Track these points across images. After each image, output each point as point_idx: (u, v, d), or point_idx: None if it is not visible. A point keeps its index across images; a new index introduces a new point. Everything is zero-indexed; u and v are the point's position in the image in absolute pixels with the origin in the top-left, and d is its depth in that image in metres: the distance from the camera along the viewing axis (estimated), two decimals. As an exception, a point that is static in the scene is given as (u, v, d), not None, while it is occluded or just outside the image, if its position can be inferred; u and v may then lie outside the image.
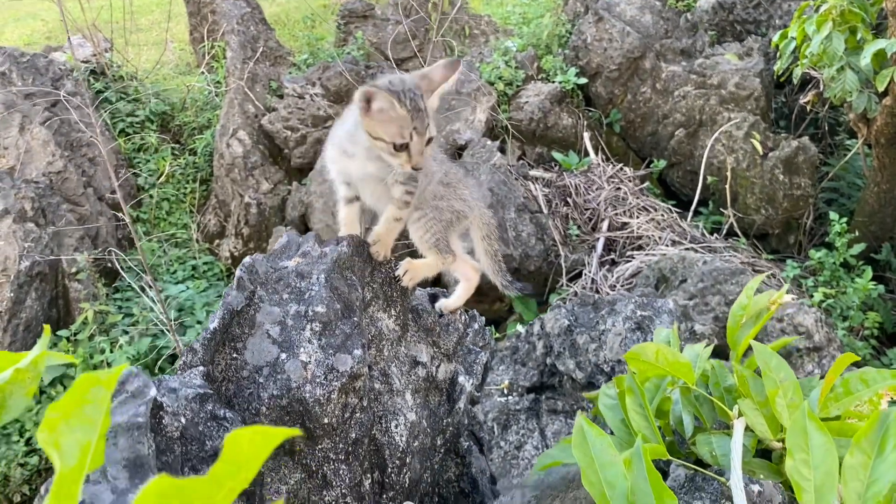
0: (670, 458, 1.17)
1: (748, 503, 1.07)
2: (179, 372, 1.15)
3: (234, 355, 1.19)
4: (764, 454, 1.36)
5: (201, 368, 1.13)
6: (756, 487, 1.12)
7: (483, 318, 1.82)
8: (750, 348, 1.44)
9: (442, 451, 1.45)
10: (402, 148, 1.41)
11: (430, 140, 1.44)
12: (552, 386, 2.21)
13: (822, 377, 1.47)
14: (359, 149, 1.47)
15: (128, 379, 0.99)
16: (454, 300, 1.63)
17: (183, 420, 1.04)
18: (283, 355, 1.19)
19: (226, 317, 1.21)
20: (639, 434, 1.11)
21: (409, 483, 1.32)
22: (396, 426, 1.31)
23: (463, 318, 1.63)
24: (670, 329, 1.39)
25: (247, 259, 1.32)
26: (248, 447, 0.41)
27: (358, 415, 1.23)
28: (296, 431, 0.41)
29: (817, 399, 1.19)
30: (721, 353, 3.34)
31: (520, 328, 2.39)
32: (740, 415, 1.23)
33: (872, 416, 0.94)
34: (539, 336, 2.24)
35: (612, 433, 1.21)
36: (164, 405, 1.02)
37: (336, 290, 1.28)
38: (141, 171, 6.08)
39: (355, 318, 1.27)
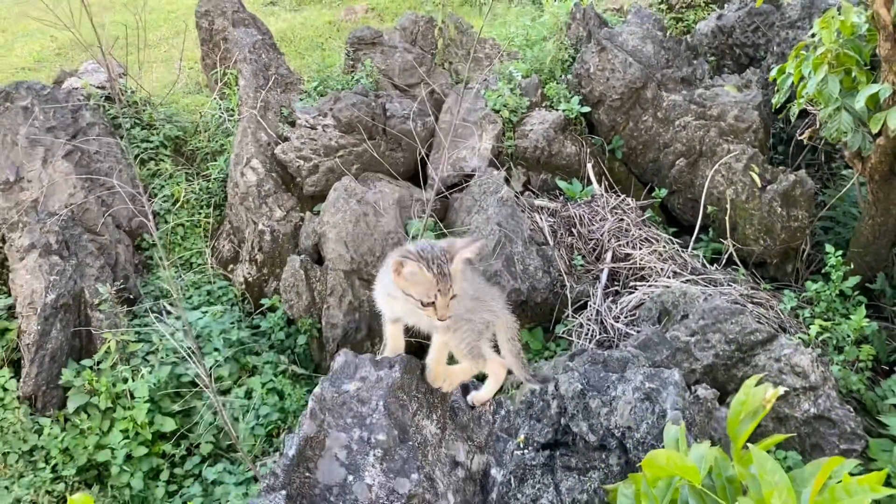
0: (680, 556, 1.34)
1: None
2: (264, 495, 1.32)
3: (307, 475, 1.37)
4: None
5: (283, 493, 1.30)
6: (754, 581, 1.29)
7: (509, 402, 1.99)
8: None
9: (476, 537, 1.63)
10: (428, 305, 1.64)
11: (454, 296, 1.68)
12: (566, 443, 2.38)
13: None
14: (400, 293, 1.70)
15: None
16: (485, 393, 1.82)
17: (277, 550, 1.22)
18: (351, 477, 1.37)
19: (301, 444, 1.39)
20: (653, 538, 1.29)
21: (452, 576, 1.50)
22: (442, 529, 1.49)
23: (491, 407, 1.80)
24: (679, 428, 1.56)
25: (317, 389, 1.51)
26: None
27: (413, 528, 1.40)
28: None
29: (808, 499, 1.36)
30: (723, 392, 3.52)
31: (535, 385, 2.56)
32: (740, 510, 1.41)
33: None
34: (553, 396, 2.41)
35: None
36: (262, 539, 1.20)
37: (393, 415, 1.46)
38: (156, 197, 6.24)
39: (410, 442, 1.44)
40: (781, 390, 1.64)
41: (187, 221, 6.29)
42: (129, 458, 4.52)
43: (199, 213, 6.34)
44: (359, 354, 1.63)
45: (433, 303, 1.66)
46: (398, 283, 1.70)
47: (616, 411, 2.20)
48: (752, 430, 1.56)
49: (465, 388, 1.80)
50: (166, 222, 6.18)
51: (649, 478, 1.36)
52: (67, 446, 4.50)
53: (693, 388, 2.30)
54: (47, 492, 4.35)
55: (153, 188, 6.36)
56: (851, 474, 1.54)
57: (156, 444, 4.63)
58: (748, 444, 1.44)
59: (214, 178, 6.43)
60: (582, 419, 2.27)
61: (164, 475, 4.56)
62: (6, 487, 4.29)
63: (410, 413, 1.50)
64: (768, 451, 1.70)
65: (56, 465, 4.46)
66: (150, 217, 3.50)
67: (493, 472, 1.69)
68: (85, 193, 5.36)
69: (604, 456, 2.23)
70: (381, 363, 1.58)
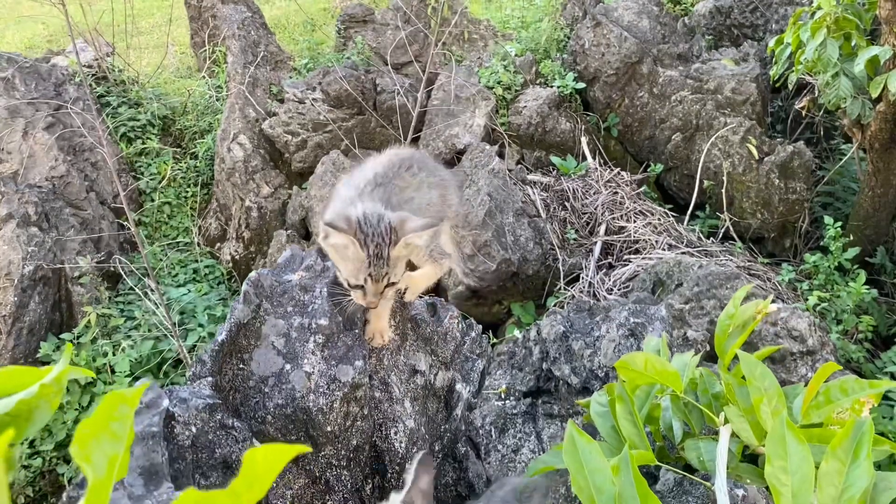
0: (659, 463, 1.22)
1: (732, 507, 1.12)
2: (189, 382, 1.20)
3: (241, 366, 1.24)
4: (751, 458, 1.41)
5: (210, 379, 1.18)
6: (740, 492, 1.17)
7: (480, 327, 1.87)
8: (737, 356, 1.49)
9: (440, 456, 1.50)
10: (356, 287, 1.39)
11: (391, 283, 1.42)
12: (548, 391, 2.25)
13: (806, 384, 1.51)
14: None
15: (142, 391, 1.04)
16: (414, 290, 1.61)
17: (194, 429, 1.09)
18: (288, 366, 1.24)
19: (233, 330, 1.26)
20: (628, 441, 1.16)
21: (408, 488, 1.38)
22: (396, 433, 1.37)
23: (460, 326, 1.68)
24: (660, 338, 1.43)
25: (252, 273, 1.37)
26: (263, 463, 0.46)
27: (359, 423, 1.28)
28: (305, 448, 0.46)
29: (800, 407, 1.23)
30: (716, 355, 3.38)
31: (517, 333, 2.44)
32: (726, 421, 1.28)
33: (848, 425, 0.99)
34: (535, 342, 2.29)
35: (603, 439, 1.26)
36: (176, 415, 1.07)
37: (338, 303, 1.33)
38: (143, 175, 6.13)
39: (356, 331, 1.32)
40: (774, 306, 1.52)
41: (174, 200, 6.17)
42: (109, 434, 4.39)
43: (187, 192, 6.23)
44: (305, 250, 1.49)
45: (362, 286, 1.38)
46: (327, 250, 1.42)
47: (600, 351, 2.07)
48: (741, 344, 1.44)
49: (433, 307, 1.66)
50: (153, 200, 6.07)
51: (626, 384, 1.24)
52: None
53: (683, 329, 2.17)
54: (23, 466, 4.23)
55: (140, 166, 6.24)
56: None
57: (136, 419, 4.50)
58: (738, 351, 1.31)
59: (202, 157, 6.32)
60: (564, 362, 2.15)
61: (145, 451, 4.44)
62: (-19, 462, 4.17)
63: (361, 308, 1.37)
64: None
65: (34, 440, 4.33)
66: (116, 179, 3.37)
67: (459, 387, 1.57)
68: (67, 167, 5.24)
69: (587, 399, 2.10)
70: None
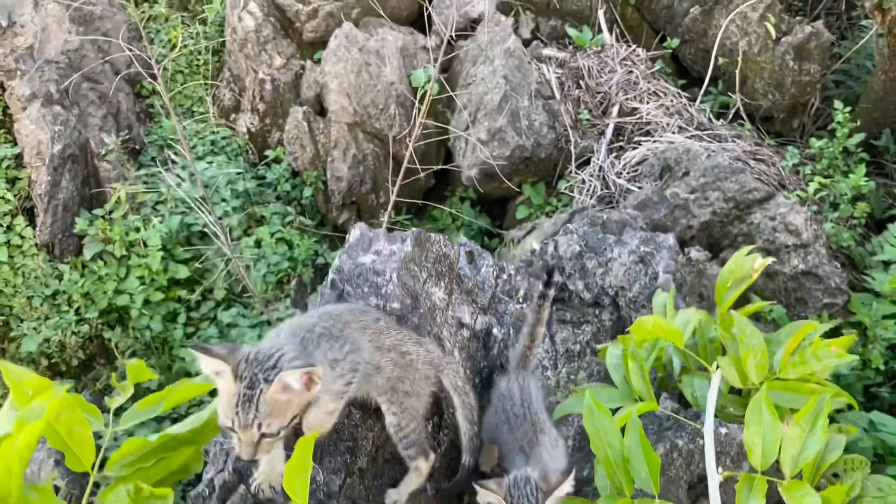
0: (661, 409, 1.50)
1: (716, 442, 1.41)
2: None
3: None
4: (737, 392, 1.70)
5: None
6: (724, 430, 1.46)
7: (512, 268, 2.10)
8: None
9: (479, 387, 1.80)
10: None
11: None
12: (562, 300, 2.53)
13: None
14: None
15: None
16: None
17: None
18: (368, 343, 1.49)
19: None
20: (637, 393, 1.43)
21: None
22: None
23: (493, 272, 1.91)
24: (668, 294, 1.66)
25: (336, 262, 1.60)
26: None
27: (425, 382, 1.55)
28: None
29: (780, 360, 1.49)
30: (717, 248, 3.64)
31: (535, 245, 2.67)
32: (718, 368, 1.55)
33: (811, 401, 1.25)
34: (552, 257, 2.53)
35: (615, 385, 1.54)
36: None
37: (405, 285, 1.56)
38: (153, 43, 6.07)
39: (421, 310, 1.55)
40: (770, 260, 1.74)
41: (186, 68, 6.15)
42: (147, 302, 4.72)
43: (198, 59, 6.19)
44: (372, 229, 1.71)
45: None
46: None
47: (611, 272, 2.32)
48: (737, 297, 1.68)
49: (471, 255, 1.87)
50: (165, 69, 6.05)
51: (637, 340, 1.49)
52: (88, 291, 4.70)
53: (686, 250, 2.40)
54: (73, 332, 4.61)
55: (148, 32, 6.16)
56: (825, 335, 1.67)
57: (171, 289, 4.83)
58: (731, 311, 1.55)
59: (211, 22, 6.21)
60: (578, 278, 2.40)
61: (182, 318, 4.80)
62: (35, 328, 4.55)
63: (421, 282, 1.61)
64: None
65: (79, 308, 4.68)
66: (154, 63, 3.44)
67: (495, 331, 1.85)
68: (80, 40, 5.21)
69: (597, 311, 2.38)
70: (393, 238, 1.67)
